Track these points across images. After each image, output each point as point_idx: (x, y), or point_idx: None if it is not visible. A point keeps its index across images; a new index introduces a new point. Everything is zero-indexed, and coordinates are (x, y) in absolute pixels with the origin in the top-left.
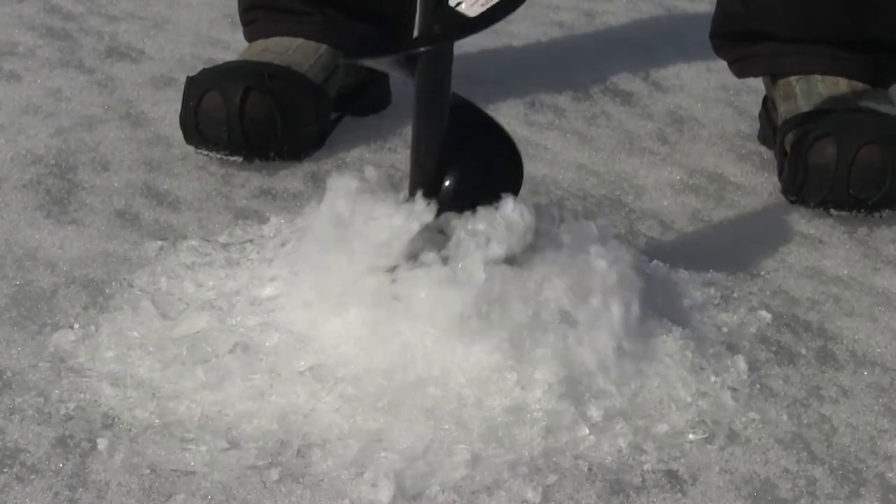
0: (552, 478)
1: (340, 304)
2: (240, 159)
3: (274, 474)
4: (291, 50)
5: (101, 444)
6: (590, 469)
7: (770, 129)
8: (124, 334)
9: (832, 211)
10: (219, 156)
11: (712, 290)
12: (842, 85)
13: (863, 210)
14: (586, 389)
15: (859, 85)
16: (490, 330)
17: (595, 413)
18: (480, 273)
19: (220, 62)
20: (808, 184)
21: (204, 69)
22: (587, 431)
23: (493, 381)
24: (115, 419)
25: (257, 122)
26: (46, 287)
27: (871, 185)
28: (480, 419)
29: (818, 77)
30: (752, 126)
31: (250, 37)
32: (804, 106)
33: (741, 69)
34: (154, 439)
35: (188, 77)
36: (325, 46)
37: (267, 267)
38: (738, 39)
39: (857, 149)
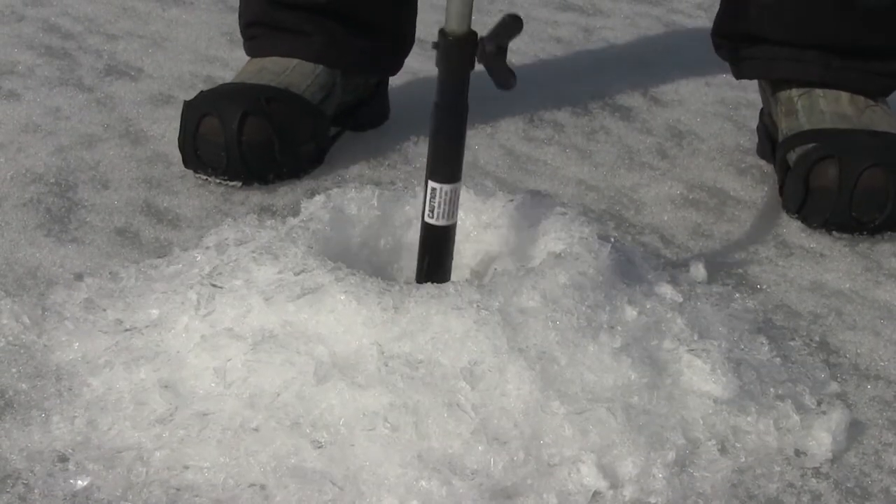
0: (555, 498)
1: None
2: (239, 184)
3: (278, 492)
4: (288, 70)
5: (104, 465)
6: (596, 489)
7: (769, 142)
8: (126, 353)
9: (834, 233)
10: (218, 180)
11: (714, 305)
12: (843, 101)
13: (865, 232)
14: (589, 404)
15: (861, 100)
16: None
17: (599, 432)
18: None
19: (219, 80)
20: (809, 204)
21: (201, 92)
22: (595, 451)
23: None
24: (118, 438)
25: (256, 147)
26: (47, 305)
27: (874, 209)
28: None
29: (819, 92)
30: (751, 140)
31: (250, 52)
32: (806, 123)
33: (738, 70)
34: (158, 459)
35: (185, 101)
36: (322, 66)
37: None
38: (736, 40)
39: (860, 172)
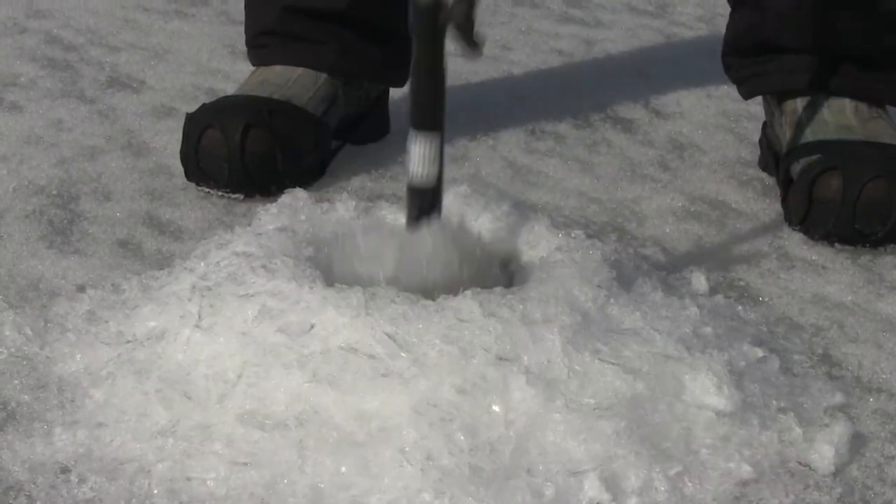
0: None
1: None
2: (241, 196)
3: (291, 502)
4: (290, 82)
5: (106, 477)
6: (599, 501)
7: (771, 155)
8: (128, 364)
9: (836, 245)
10: (220, 193)
11: (716, 317)
12: (848, 112)
13: (867, 245)
14: (591, 416)
15: (865, 111)
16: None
17: (601, 444)
18: None
19: (221, 92)
20: (812, 216)
21: (203, 105)
22: (597, 463)
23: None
24: (120, 450)
25: (258, 159)
26: (49, 316)
27: (877, 221)
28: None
29: (824, 103)
30: (752, 152)
31: (258, 61)
32: (810, 135)
33: (752, 87)
34: (160, 470)
35: (187, 114)
36: (324, 77)
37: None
38: (752, 55)
39: (864, 184)
